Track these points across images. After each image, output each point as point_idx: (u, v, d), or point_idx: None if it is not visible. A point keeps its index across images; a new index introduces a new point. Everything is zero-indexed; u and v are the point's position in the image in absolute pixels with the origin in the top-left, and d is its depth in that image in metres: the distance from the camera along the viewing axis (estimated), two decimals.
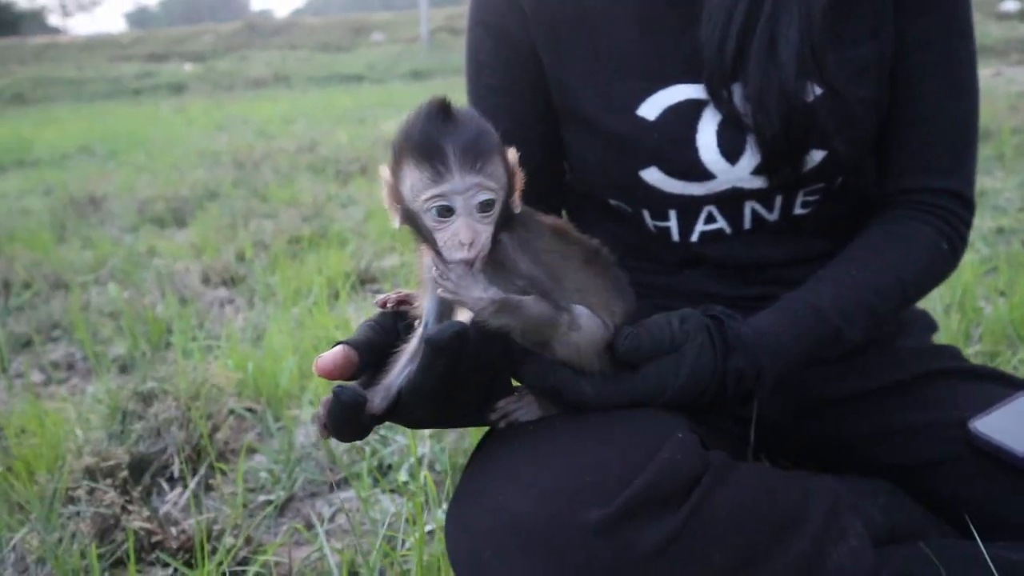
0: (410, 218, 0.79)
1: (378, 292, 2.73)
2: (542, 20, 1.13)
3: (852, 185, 1.16)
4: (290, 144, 6.24)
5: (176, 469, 1.55)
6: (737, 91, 1.05)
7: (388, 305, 0.89)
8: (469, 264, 0.75)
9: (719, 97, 1.06)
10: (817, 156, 1.06)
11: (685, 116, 1.08)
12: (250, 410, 1.80)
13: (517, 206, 0.81)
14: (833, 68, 1.02)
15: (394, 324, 0.86)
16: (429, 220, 0.76)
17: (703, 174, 1.08)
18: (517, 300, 0.78)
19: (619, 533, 0.76)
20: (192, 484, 1.50)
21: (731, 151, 1.07)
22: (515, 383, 0.89)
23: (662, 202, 1.13)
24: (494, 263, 0.78)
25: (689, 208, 1.13)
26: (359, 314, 2.36)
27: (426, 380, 0.77)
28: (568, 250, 0.85)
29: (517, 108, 1.18)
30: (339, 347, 0.81)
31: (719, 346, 0.92)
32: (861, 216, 1.17)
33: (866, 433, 1.13)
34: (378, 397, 0.79)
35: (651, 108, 1.09)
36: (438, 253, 0.77)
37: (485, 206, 0.76)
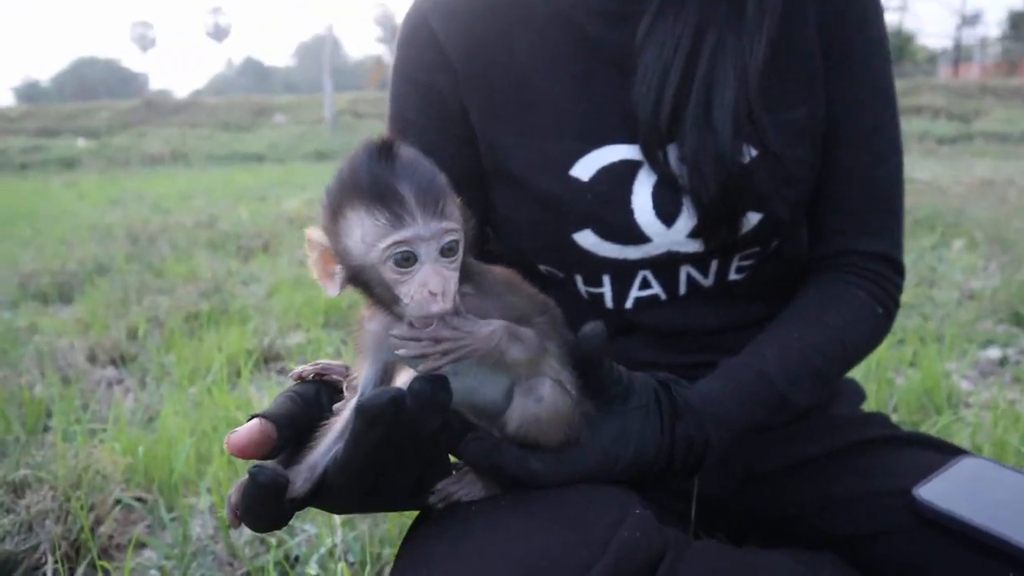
0: (358, 278, 0.70)
1: (283, 370, 2.60)
2: (473, 77, 1.10)
3: (786, 251, 1.15)
4: (188, 219, 6.05)
5: (50, 569, 1.37)
6: (672, 152, 1.03)
7: (306, 376, 0.80)
8: (450, 315, 0.67)
9: (654, 159, 1.04)
10: (754, 219, 1.04)
11: (620, 177, 1.05)
12: (140, 499, 1.63)
13: (470, 254, 0.74)
14: (769, 130, 1.02)
15: (316, 395, 0.77)
16: (389, 273, 0.67)
17: (638, 237, 1.05)
18: (515, 327, 0.71)
19: None
20: None
21: (667, 213, 1.05)
22: (453, 460, 0.81)
23: (596, 266, 1.09)
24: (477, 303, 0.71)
25: (624, 273, 1.09)
26: (262, 394, 2.22)
27: (356, 456, 0.67)
28: (522, 302, 0.78)
29: (444, 167, 1.12)
30: (254, 421, 0.71)
31: (667, 412, 0.87)
32: (794, 282, 1.16)
33: (808, 504, 1.09)
34: (300, 478, 0.69)
35: (585, 168, 1.06)
36: (393, 314, 0.69)
37: (450, 251, 0.68)
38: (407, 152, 0.69)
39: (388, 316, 0.70)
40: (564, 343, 0.80)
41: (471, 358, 0.69)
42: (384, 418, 0.65)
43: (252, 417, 0.72)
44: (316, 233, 0.71)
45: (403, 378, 0.76)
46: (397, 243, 0.66)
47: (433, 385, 0.67)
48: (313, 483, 0.70)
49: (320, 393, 0.78)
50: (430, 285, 0.66)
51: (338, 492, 0.71)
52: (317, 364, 0.81)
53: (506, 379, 0.75)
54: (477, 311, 0.71)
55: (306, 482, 0.69)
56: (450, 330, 0.67)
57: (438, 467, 0.79)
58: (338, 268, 0.70)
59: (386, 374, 0.73)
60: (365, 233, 0.67)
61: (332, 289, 0.71)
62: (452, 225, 0.68)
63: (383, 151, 0.68)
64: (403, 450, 0.70)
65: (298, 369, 0.81)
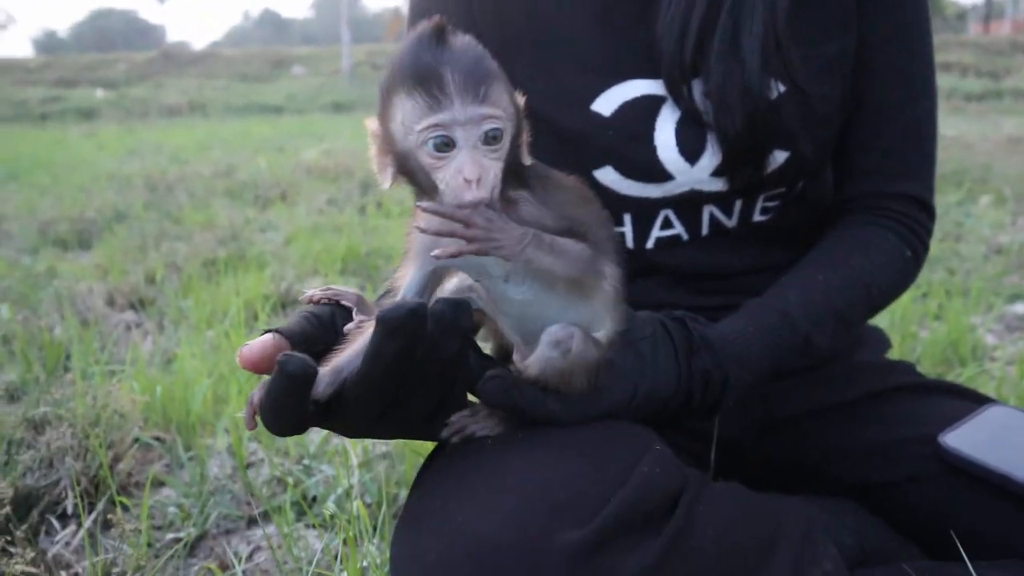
0: (404, 164, 0.68)
1: None
2: (489, 10, 1.07)
3: (811, 193, 1.12)
4: (206, 169, 6.03)
5: (70, 504, 1.38)
6: (697, 87, 1.00)
7: (317, 300, 0.78)
8: (484, 205, 0.64)
9: (678, 94, 1.01)
10: (780, 157, 1.01)
11: (642, 113, 1.02)
12: (158, 439, 1.64)
13: (527, 156, 0.71)
14: (797, 65, 0.98)
15: (331, 317, 0.76)
16: (426, 157, 0.65)
17: (661, 174, 1.03)
18: (551, 238, 0.67)
19: (598, 559, 0.66)
20: (88, 521, 1.33)
21: (691, 150, 1.02)
22: (472, 399, 0.79)
23: (617, 205, 1.06)
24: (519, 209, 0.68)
25: (645, 212, 1.07)
26: None
27: (374, 367, 0.66)
28: (586, 215, 0.74)
29: None
30: (268, 335, 0.70)
31: (681, 345, 0.86)
32: (820, 227, 1.13)
33: (830, 451, 1.07)
34: (323, 382, 0.68)
35: (606, 104, 1.03)
36: (434, 206, 0.65)
37: (491, 138, 0.65)
38: (459, 38, 0.66)
39: (431, 208, 0.67)
40: (623, 272, 0.77)
41: (496, 255, 0.66)
42: (404, 330, 0.64)
43: (266, 331, 0.71)
44: (372, 122, 0.70)
45: (448, 287, 0.74)
46: (433, 126, 0.64)
47: (455, 308, 0.66)
48: (336, 387, 0.68)
49: (335, 316, 0.76)
50: (465, 171, 0.64)
51: (355, 406, 0.69)
52: (328, 289, 0.79)
53: (559, 302, 0.73)
54: (529, 218, 0.69)
55: (329, 386, 0.68)
56: (482, 219, 0.64)
57: (456, 397, 0.77)
58: (390, 158, 0.69)
59: (433, 282, 0.71)
60: (405, 115, 0.65)
61: (384, 180, 0.70)
62: (494, 112, 0.65)
63: (433, 35, 0.65)
64: (421, 370, 0.68)
65: (309, 292, 0.80)
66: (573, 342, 0.73)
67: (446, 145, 0.64)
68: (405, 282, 0.72)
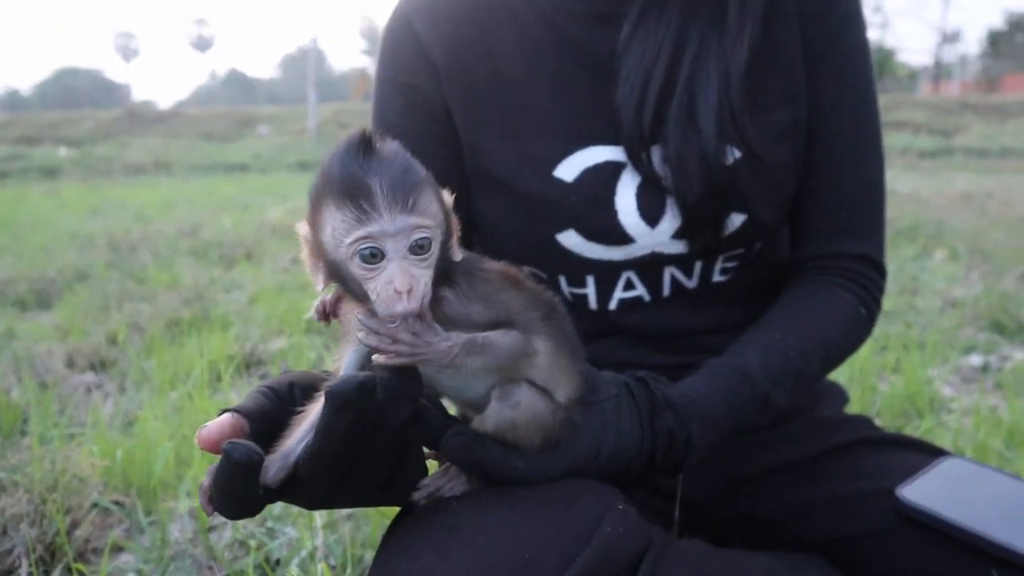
0: (336, 272, 0.69)
1: (264, 375, 2.58)
2: (456, 78, 1.10)
3: (768, 254, 1.15)
4: (170, 228, 6.00)
5: (24, 573, 1.34)
6: (656, 153, 1.03)
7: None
8: (414, 317, 0.65)
9: (638, 160, 1.04)
10: (737, 220, 1.04)
11: (604, 178, 1.05)
12: (117, 503, 1.61)
13: (457, 253, 0.72)
14: (752, 131, 1.02)
15: (289, 391, 0.76)
16: (356, 268, 0.66)
17: (622, 238, 1.05)
18: (483, 337, 0.68)
19: None
20: None
21: (651, 214, 1.04)
22: (427, 455, 0.80)
23: (580, 267, 1.08)
24: (441, 323, 0.69)
25: (608, 274, 1.09)
26: (243, 398, 2.19)
27: (326, 443, 0.65)
28: (516, 301, 0.75)
29: None
30: (226, 415, 0.70)
31: (644, 405, 0.87)
32: (777, 285, 1.16)
33: (792, 507, 1.09)
34: (274, 467, 0.67)
35: (569, 169, 1.06)
36: (370, 311, 0.67)
37: (419, 247, 0.66)
38: (386, 146, 0.68)
39: (365, 313, 0.69)
40: (572, 349, 0.79)
41: (424, 367, 0.67)
42: (353, 405, 0.64)
43: (224, 412, 0.70)
44: (303, 227, 0.70)
45: None
46: (362, 238, 0.65)
47: (402, 376, 0.66)
48: (287, 471, 0.68)
49: (293, 388, 0.76)
50: (396, 283, 0.65)
51: (309, 482, 0.69)
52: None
53: (490, 379, 0.74)
54: (456, 316, 0.70)
55: (280, 470, 0.68)
56: (408, 335, 0.65)
57: (412, 461, 0.77)
58: (321, 263, 0.70)
59: (369, 360, 0.72)
60: (335, 228, 0.66)
61: (317, 283, 0.71)
62: (423, 221, 0.66)
63: (360, 145, 0.66)
64: (374, 440, 0.68)
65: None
66: (522, 395, 0.74)
67: (374, 256, 0.65)
68: (345, 361, 0.73)
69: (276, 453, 0.69)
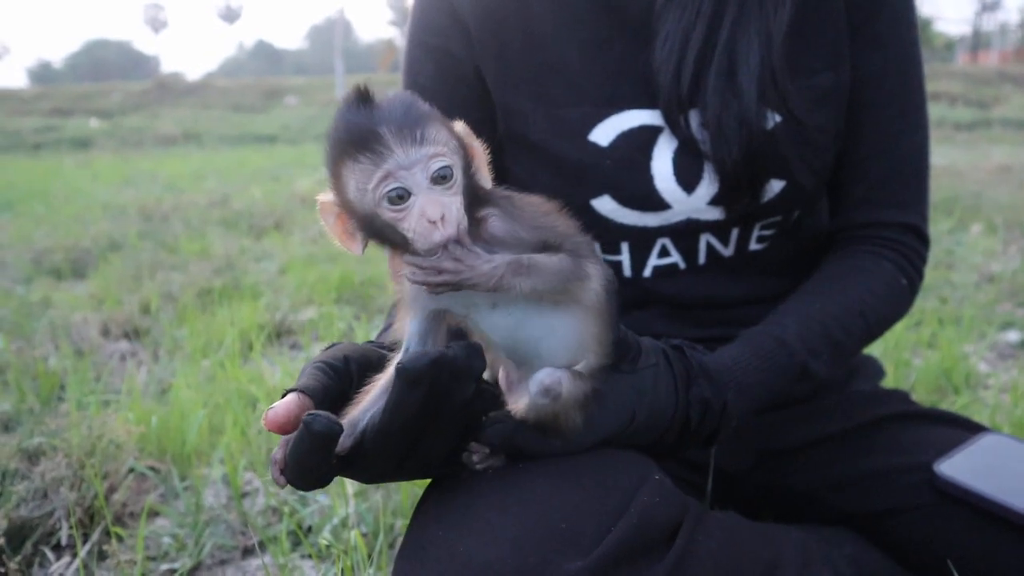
0: (371, 227, 0.69)
1: (295, 345, 2.60)
2: (487, 40, 1.08)
3: (806, 223, 1.13)
4: (201, 198, 6.03)
5: (64, 535, 1.37)
6: (694, 118, 1.01)
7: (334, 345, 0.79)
8: (453, 242, 0.65)
9: (676, 124, 1.02)
10: (776, 186, 1.02)
11: (639, 142, 1.04)
12: (153, 469, 1.63)
13: (486, 179, 0.71)
14: (793, 95, 1.00)
15: (345, 365, 0.76)
16: (387, 212, 0.66)
17: (658, 203, 1.04)
18: (528, 258, 0.68)
19: None
20: (83, 552, 1.32)
21: (688, 180, 1.03)
22: None
23: (614, 234, 1.07)
24: (485, 242, 0.69)
25: (642, 240, 1.08)
26: (274, 367, 2.21)
27: (396, 419, 0.66)
28: (558, 223, 0.74)
29: None
30: (292, 396, 0.69)
31: (680, 374, 0.86)
32: (814, 256, 1.14)
33: (826, 480, 1.08)
34: (342, 437, 0.68)
35: (604, 133, 1.04)
36: (411, 253, 0.67)
37: (441, 177, 0.66)
38: (383, 96, 0.68)
39: (408, 259, 0.68)
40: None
41: (472, 290, 0.67)
42: (425, 381, 0.64)
43: (288, 392, 0.70)
44: (326, 197, 0.71)
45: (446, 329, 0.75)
46: (383, 178, 0.65)
47: (468, 352, 0.66)
48: (355, 439, 0.69)
49: (349, 363, 0.76)
50: (428, 213, 0.65)
51: (376, 456, 0.69)
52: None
53: (549, 316, 0.73)
54: (501, 232, 0.70)
55: (347, 438, 0.68)
56: (451, 261, 0.65)
57: (472, 435, 0.76)
58: (354, 224, 0.70)
59: (435, 325, 0.72)
60: (356, 180, 0.67)
61: (355, 248, 0.71)
62: (436, 149, 0.66)
63: (358, 100, 0.67)
64: (439, 417, 0.68)
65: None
66: (563, 386, 0.72)
67: (400, 198, 0.66)
68: (407, 332, 0.72)
69: (344, 421, 0.69)
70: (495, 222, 0.70)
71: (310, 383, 0.72)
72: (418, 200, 0.66)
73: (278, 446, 0.68)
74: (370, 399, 0.70)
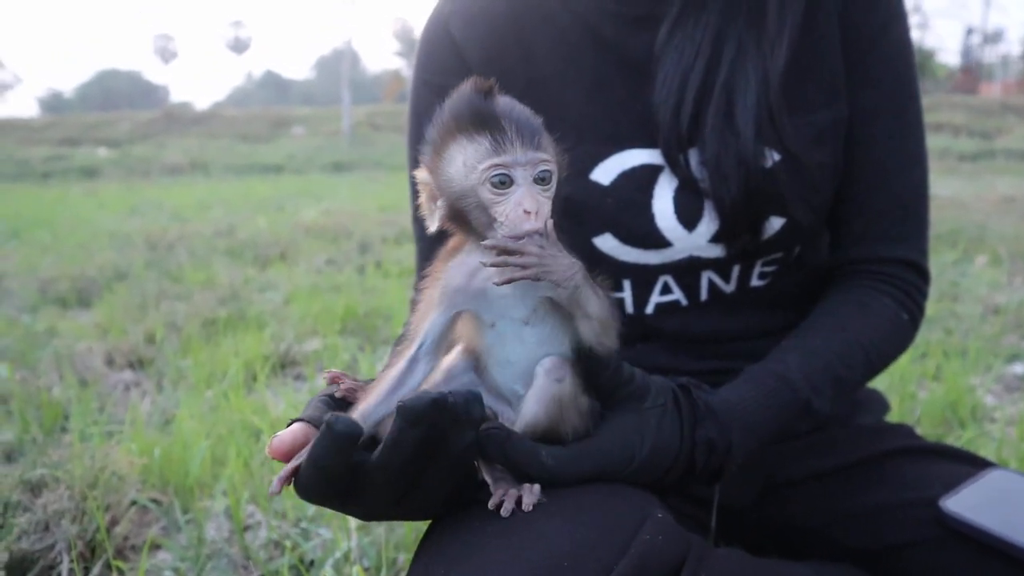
0: (458, 205, 0.73)
1: (299, 376, 2.60)
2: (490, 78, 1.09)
3: (807, 259, 1.13)
4: (206, 228, 6.08)
5: (65, 568, 1.37)
6: (694, 156, 1.02)
7: (339, 384, 0.80)
8: (540, 235, 0.70)
9: (676, 163, 1.03)
10: (776, 223, 1.03)
11: (640, 181, 1.05)
12: (155, 501, 1.63)
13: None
14: (791, 133, 1.01)
15: (347, 400, 0.77)
16: (486, 193, 0.71)
17: (659, 241, 1.04)
18: (591, 280, 0.73)
19: None
20: None
21: (688, 218, 1.03)
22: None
23: (617, 271, 1.08)
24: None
25: (644, 278, 1.08)
26: (278, 399, 2.22)
27: (394, 456, 0.66)
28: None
29: None
30: (297, 424, 0.71)
31: (687, 414, 0.86)
32: (816, 291, 1.14)
33: (831, 515, 1.07)
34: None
35: (605, 173, 1.05)
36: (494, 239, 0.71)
37: (543, 180, 0.72)
38: (503, 97, 0.74)
39: (469, 265, 0.74)
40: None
41: (548, 280, 0.71)
42: (425, 420, 0.65)
43: (293, 421, 0.72)
44: (422, 173, 0.76)
45: (455, 349, 0.79)
46: (496, 165, 0.71)
47: (468, 400, 0.67)
48: (367, 433, 0.71)
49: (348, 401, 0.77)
50: (525, 204, 0.70)
51: (373, 492, 0.69)
52: (355, 381, 0.81)
53: (567, 340, 0.77)
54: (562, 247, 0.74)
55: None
56: (536, 247, 0.69)
57: (471, 482, 0.78)
58: (440, 203, 0.75)
59: (448, 327, 0.76)
60: (467, 157, 0.72)
61: (433, 223, 0.76)
62: (547, 156, 0.73)
63: (485, 89, 0.73)
64: (438, 459, 0.69)
65: (333, 372, 0.82)
66: (566, 370, 0.76)
67: (503, 184, 0.71)
68: (426, 326, 0.76)
69: (355, 414, 0.72)
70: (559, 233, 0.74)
71: (315, 415, 0.73)
72: (519, 190, 0.71)
73: (292, 461, 0.69)
74: (377, 394, 0.73)
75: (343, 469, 0.67)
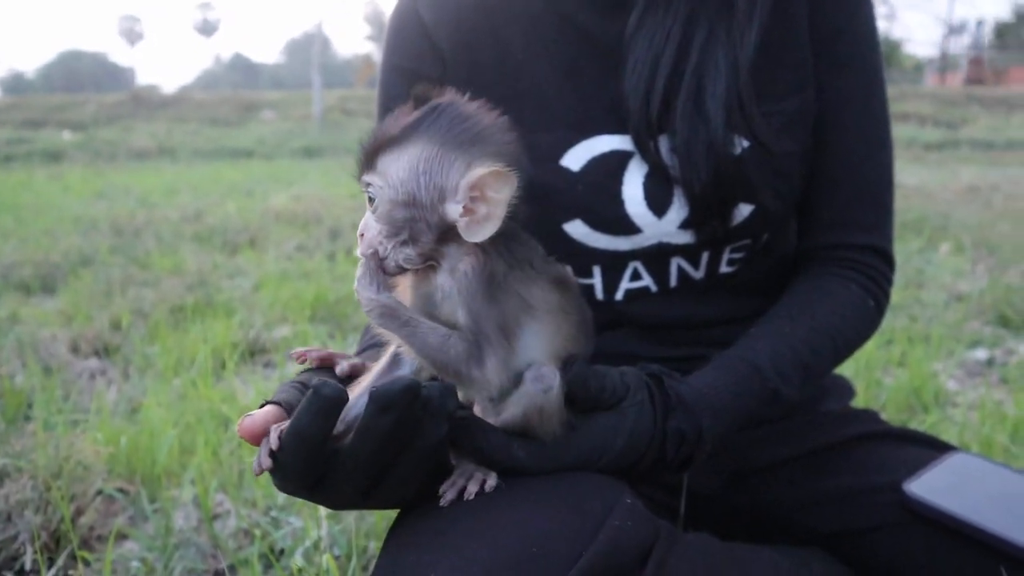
0: None
1: (268, 363, 2.58)
2: (461, 64, 1.09)
3: (776, 246, 1.14)
4: (174, 213, 5.99)
5: (29, 560, 1.35)
6: (664, 143, 1.03)
7: (307, 360, 0.79)
8: (372, 261, 0.71)
9: (646, 149, 1.03)
10: (745, 210, 1.04)
11: (610, 167, 1.05)
12: (122, 491, 1.61)
13: (470, 230, 0.71)
14: (760, 121, 1.01)
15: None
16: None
17: (629, 227, 1.05)
18: (409, 316, 0.69)
19: None
20: None
21: (658, 204, 1.04)
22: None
23: (586, 257, 1.08)
24: (423, 285, 0.73)
25: (614, 264, 1.08)
26: (247, 386, 2.20)
27: (365, 443, 0.66)
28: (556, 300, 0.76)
29: None
30: (269, 407, 0.71)
31: (659, 405, 0.86)
32: (785, 277, 1.16)
33: (796, 500, 1.08)
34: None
35: (575, 158, 1.05)
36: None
37: (370, 200, 0.72)
38: (406, 110, 0.73)
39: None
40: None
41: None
42: (396, 406, 0.64)
43: (265, 404, 0.71)
44: None
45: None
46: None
47: (442, 392, 0.67)
48: (346, 426, 0.70)
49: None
50: (360, 225, 0.72)
51: (344, 480, 0.69)
52: (323, 350, 0.81)
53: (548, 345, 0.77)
54: (444, 285, 0.72)
55: (340, 423, 0.69)
56: (360, 268, 0.71)
57: (444, 473, 0.77)
58: None
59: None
60: None
61: None
62: (371, 179, 0.71)
63: (416, 100, 0.74)
64: (409, 450, 0.68)
65: (299, 349, 0.81)
66: (555, 381, 0.74)
67: (370, 200, 0.72)
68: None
69: None
70: (442, 276, 0.72)
71: (288, 398, 0.73)
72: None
73: (271, 433, 0.68)
74: (361, 388, 0.73)
75: (323, 440, 0.66)
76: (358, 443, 0.66)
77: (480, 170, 0.70)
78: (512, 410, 0.74)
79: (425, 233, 0.71)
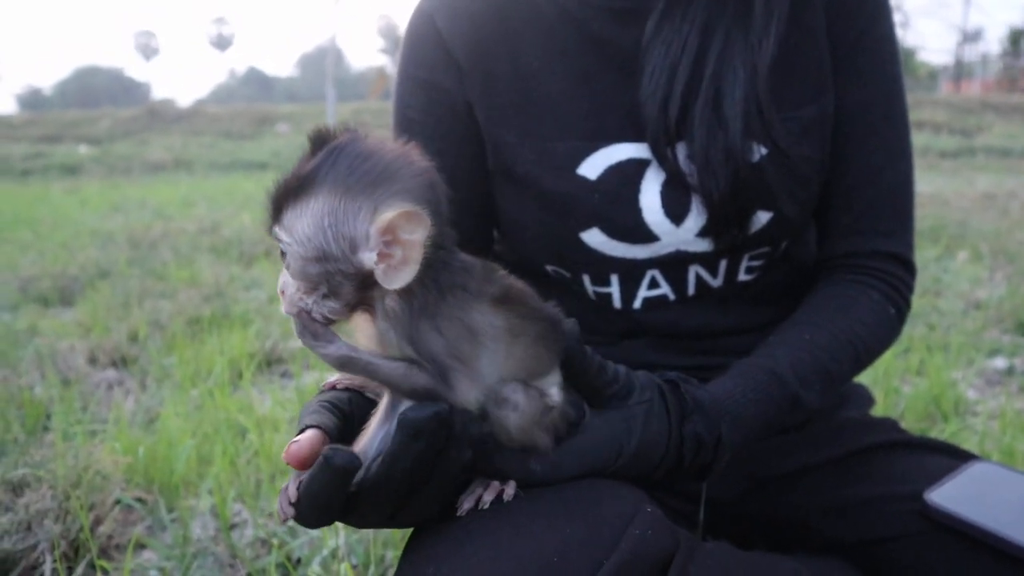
0: None
1: (285, 373, 2.59)
2: (478, 75, 1.09)
3: (795, 253, 1.14)
4: (190, 225, 6.04)
5: (48, 569, 1.35)
6: (681, 151, 1.02)
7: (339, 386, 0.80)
8: (302, 317, 0.68)
9: (663, 157, 1.03)
10: (764, 217, 1.03)
11: (628, 175, 1.04)
12: (140, 500, 1.62)
13: (388, 278, 0.67)
14: (778, 128, 1.01)
15: (349, 403, 0.76)
16: None
17: (647, 236, 1.04)
18: (368, 360, 0.68)
19: None
20: None
21: (676, 212, 1.04)
22: None
23: (604, 266, 1.08)
24: (372, 325, 0.70)
25: (632, 272, 1.08)
26: (264, 396, 2.21)
27: (393, 469, 0.66)
28: (512, 320, 0.72)
29: (448, 169, 1.11)
30: (312, 432, 0.70)
31: (674, 409, 0.86)
32: (803, 286, 1.15)
33: (816, 509, 1.08)
34: None
35: (592, 167, 1.05)
36: None
37: (282, 254, 0.68)
38: (319, 156, 0.69)
39: None
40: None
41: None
42: (425, 434, 0.65)
43: (306, 428, 0.70)
44: None
45: None
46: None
47: (464, 418, 0.67)
48: (361, 476, 0.68)
49: (351, 400, 0.77)
50: (279, 282, 0.69)
51: (372, 505, 0.69)
52: (351, 380, 0.80)
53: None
54: (380, 330, 0.69)
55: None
56: (297, 323, 0.68)
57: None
58: None
59: None
60: None
61: None
62: (279, 235, 0.68)
63: (315, 142, 0.71)
64: (435, 474, 0.68)
65: (332, 379, 0.80)
66: (519, 396, 0.72)
67: (283, 254, 0.69)
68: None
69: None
70: (379, 319, 0.69)
71: (323, 422, 0.72)
72: None
73: (290, 480, 0.68)
74: (370, 434, 0.71)
75: (338, 501, 0.67)
76: (387, 470, 0.66)
77: (388, 214, 0.65)
78: (501, 438, 0.73)
79: (344, 285, 0.67)
